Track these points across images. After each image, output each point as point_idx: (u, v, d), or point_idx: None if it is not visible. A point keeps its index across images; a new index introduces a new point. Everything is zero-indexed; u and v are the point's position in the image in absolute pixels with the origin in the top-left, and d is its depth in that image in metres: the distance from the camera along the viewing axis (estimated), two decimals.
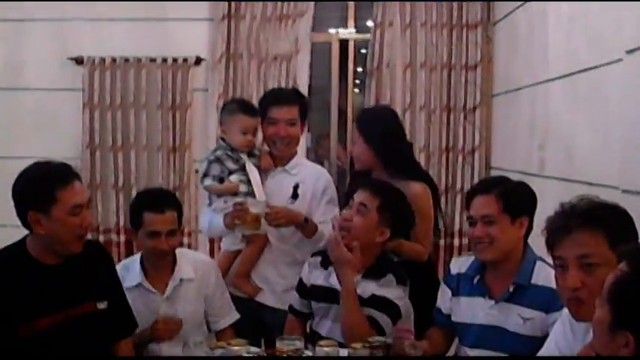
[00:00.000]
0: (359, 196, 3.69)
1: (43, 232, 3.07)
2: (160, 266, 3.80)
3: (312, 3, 6.99)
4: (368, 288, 3.64)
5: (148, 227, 3.70)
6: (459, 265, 3.53)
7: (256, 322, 4.10)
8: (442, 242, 6.74)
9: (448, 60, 6.91)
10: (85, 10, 6.98)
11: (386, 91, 6.90)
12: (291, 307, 3.95)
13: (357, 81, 8.17)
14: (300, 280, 3.91)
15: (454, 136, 6.94)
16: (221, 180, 4.04)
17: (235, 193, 4.03)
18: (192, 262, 3.88)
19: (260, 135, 4.36)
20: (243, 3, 6.90)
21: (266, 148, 4.36)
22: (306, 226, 4.09)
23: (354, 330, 3.48)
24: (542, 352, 2.78)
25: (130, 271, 3.81)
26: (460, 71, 6.90)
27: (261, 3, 6.90)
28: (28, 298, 3.01)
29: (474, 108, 6.88)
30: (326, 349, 3.19)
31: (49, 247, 3.13)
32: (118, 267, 3.81)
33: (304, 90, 6.55)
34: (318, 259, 3.86)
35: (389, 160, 4.11)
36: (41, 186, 3.08)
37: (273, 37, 6.95)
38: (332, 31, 7.69)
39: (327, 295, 3.73)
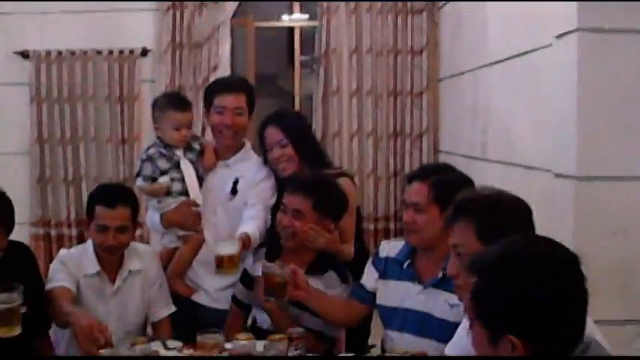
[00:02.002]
0: (291, 202, 3.68)
1: None
2: (108, 259, 3.76)
3: None
4: (312, 285, 3.65)
5: (97, 221, 3.67)
6: (389, 248, 3.55)
7: (190, 320, 4.04)
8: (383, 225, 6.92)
9: (394, 45, 6.94)
10: (28, 3, 6.91)
11: (333, 76, 6.94)
12: (234, 297, 3.94)
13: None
14: (245, 270, 3.90)
15: (402, 121, 6.98)
16: (153, 180, 3.97)
17: (168, 192, 3.97)
18: (137, 253, 3.85)
19: (200, 127, 4.27)
20: None
21: (210, 141, 4.28)
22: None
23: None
24: (453, 339, 2.82)
25: (85, 257, 3.71)
26: (406, 56, 6.93)
27: None
28: None
29: (421, 92, 6.93)
30: (242, 342, 3.21)
31: None
32: (73, 250, 3.83)
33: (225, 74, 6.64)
34: (263, 250, 3.85)
35: (315, 158, 4.08)
36: None
37: (201, 22, 6.96)
38: (285, 17, 7.75)
39: None
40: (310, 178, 3.79)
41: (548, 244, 1.92)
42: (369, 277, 3.56)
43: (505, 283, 1.79)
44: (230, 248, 3.64)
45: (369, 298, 3.55)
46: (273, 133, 4.02)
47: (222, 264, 3.64)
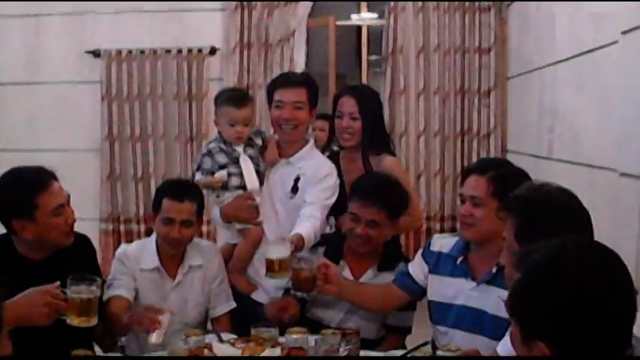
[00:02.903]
0: (365, 213, 3.64)
1: (30, 236, 3.11)
2: (171, 253, 3.80)
3: None
4: (388, 279, 3.64)
5: (164, 213, 3.71)
6: (442, 243, 3.51)
7: (250, 317, 3.99)
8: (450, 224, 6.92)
9: (462, 43, 6.91)
10: (99, 4, 7.08)
11: (400, 75, 6.93)
12: (286, 290, 3.91)
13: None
14: None
15: (469, 120, 6.94)
16: (211, 174, 3.99)
17: (226, 187, 3.98)
18: (199, 249, 3.88)
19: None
20: None
21: (275, 136, 4.28)
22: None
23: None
24: (505, 337, 2.78)
25: (145, 252, 3.77)
26: (474, 54, 6.89)
27: None
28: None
29: (489, 91, 6.87)
30: (295, 336, 3.20)
31: (37, 245, 3.17)
32: (134, 245, 3.87)
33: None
34: (321, 250, 3.83)
35: (375, 141, 4.09)
36: (20, 195, 3.10)
37: (274, 23, 7.03)
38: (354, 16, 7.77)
39: None
40: (380, 186, 3.73)
41: (598, 256, 1.82)
42: (418, 268, 3.54)
43: (544, 291, 1.74)
44: (280, 252, 3.51)
45: (413, 288, 3.52)
46: (348, 103, 4.07)
47: (272, 268, 3.51)
